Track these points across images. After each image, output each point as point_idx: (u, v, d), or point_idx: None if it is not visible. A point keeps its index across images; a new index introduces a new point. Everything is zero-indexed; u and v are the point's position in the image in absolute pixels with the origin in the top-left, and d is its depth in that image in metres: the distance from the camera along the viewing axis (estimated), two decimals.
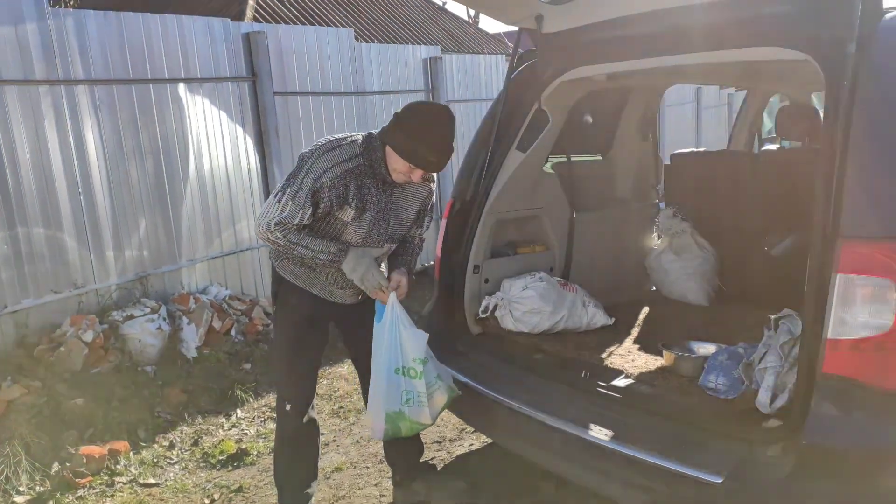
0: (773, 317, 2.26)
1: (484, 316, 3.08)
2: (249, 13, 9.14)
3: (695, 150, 4.27)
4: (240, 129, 5.42)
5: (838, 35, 2.08)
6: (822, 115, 4.27)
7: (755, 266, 3.76)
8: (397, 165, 2.41)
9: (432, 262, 7.42)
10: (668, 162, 4.08)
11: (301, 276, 2.57)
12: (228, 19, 5.38)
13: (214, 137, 5.23)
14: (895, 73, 2.00)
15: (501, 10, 3.05)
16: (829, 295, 1.91)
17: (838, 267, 1.90)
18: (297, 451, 2.76)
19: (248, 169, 5.52)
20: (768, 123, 5.65)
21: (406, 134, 2.36)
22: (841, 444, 1.88)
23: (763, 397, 2.06)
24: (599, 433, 2.30)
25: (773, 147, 4.62)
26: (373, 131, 2.49)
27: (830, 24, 2.14)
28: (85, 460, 3.36)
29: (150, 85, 4.75)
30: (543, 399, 2.57)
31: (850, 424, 1.89)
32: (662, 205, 4.09)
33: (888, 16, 2.08)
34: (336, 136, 2.47)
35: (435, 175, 2.67)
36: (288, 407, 2.67)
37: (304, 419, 2.71)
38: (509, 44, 16.38)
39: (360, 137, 2.47)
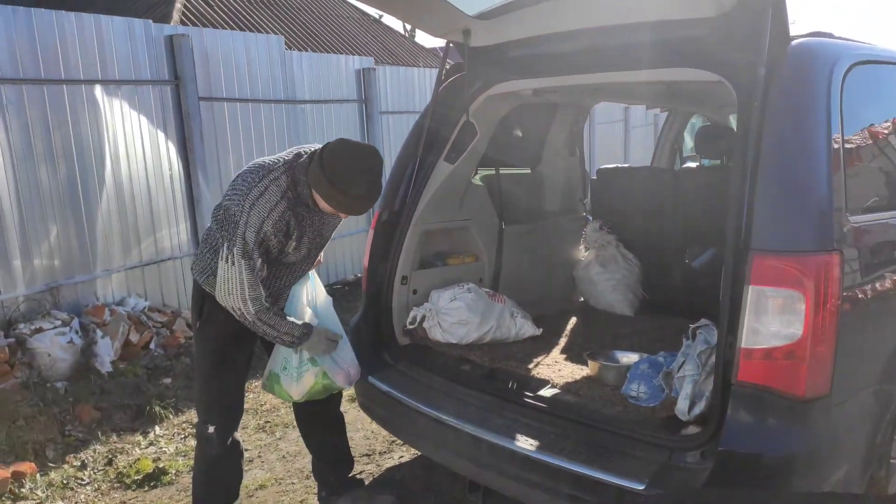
0: (691, 326, 2.33)
1: (412, 327, 3.06)
2: (176, 16, 8.88)
3: (619, 165, 4.40)
4: (161, 134, 5.22)
5: (749, 59, 2.19)
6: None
7: (676, 277, 3.90)
8: (323, 206, 2.40)
9: (359, 274, 7.35)
10: (594, 177, 4.17)
11: None
12: (150, 20, 5.19)
13: (134, 142, 5.02)
14: (801, 94, 2.11)
15: (429, 23, 3.05)
16: (741, 306, 1.98)
17: (750, 279, 1.97)
18: (219, 476, 2.64)
19: (171, 175, 5.32)
20: (689, 142, 5.89)
21: (330, 181, 2.28)
22: (755, 451, 1.95)
23: (682, 405, 2.12)
24: (525, 443, 2.31)
25: (693, 165, 4.82)
26: (301, 151, 2.43)
27: (742, 49, 2.24)
28: None
29: (64, 86, 4.52)
30: (470, 410, 2.57)
31: (765, 431, 1.97)
32: (590, 218, 4.18)
33: (794, 42, 2.21)
34: (254, 175, 2.33)
35: None
36: (211, 430, 2.54)
37: (228, 442, 2.60)
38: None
39: (281, 169, 2.36)
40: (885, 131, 2.49)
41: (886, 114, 2.57)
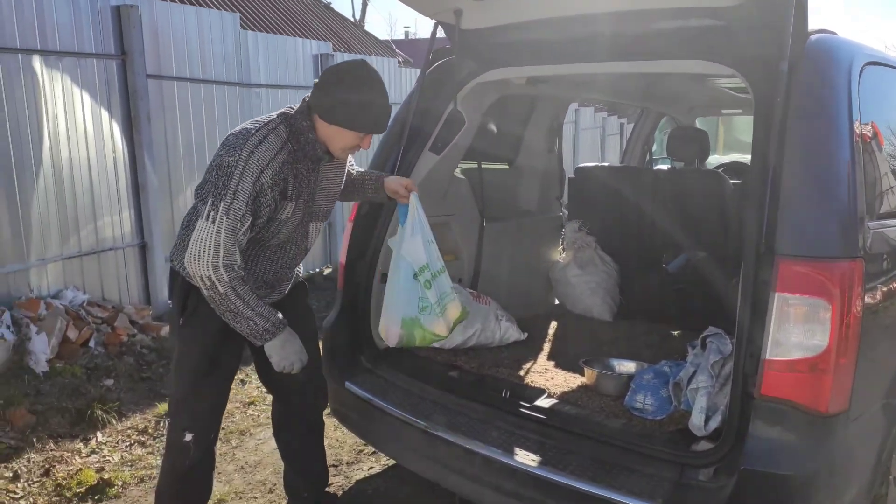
0: (702, 335, 2.21)
1: None
2: None
3: (599, 164, 4.30)
4: (105, 113, 4.82)
5: (768, 53, 2.08)
6: (709, 137, 4.46)
7: (653, 282, 3.82)
8: (345, 141, 2.14)
9: (328, 269, 7.07)
10: (572, 175, 4.05)
11: None
12: None
13: (75, 120, 4.60)
14: (825, 93, 2.02)
15: (419, 0, 2.84)
16: (766, 314, 1.87)
17: (776, 286, 1.86)
18: (190, 490, 2.36)
19: (115, 158, 4.92)
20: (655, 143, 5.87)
21: (347, 103, 2.07)
22: (778, 469, 1.84)
23: (697, 419, 2.00)
24: (525, 458, 2.15)
25: (665, 167, 4.76)
26: (287, 110, 2.17)
27: (759, 43, 2.14)
28: None
29: None
30: (461, 420, 2.39)
31: (787, 448, 1.86)
32: (566, 217, 4.06)
33: (813, 38, 2.11)
34: (248, 127, 2.10)
35: None
36: (188, 437, 2.26)
37: (204, 451, 2.33)
38: (397, 51, 16.30)
39: (276, 121, 2.13)
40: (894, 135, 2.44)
41: (892, 116, 2.52)
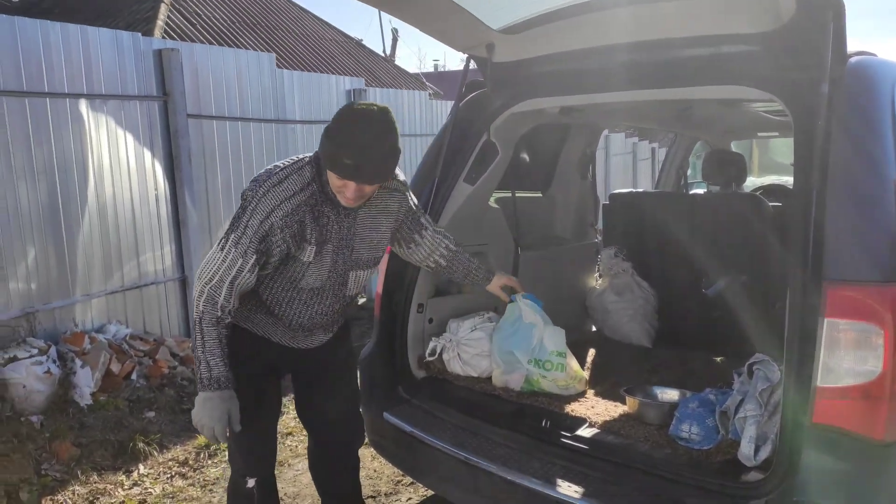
0: (748, 362, 2.16)
1: (431, 358, 2.85)
2: (158, 32, 8.65)
3: (633, 190, 4.28)
4: (148, 153, 4.97)
5: (808, 76, 2.07)
6: (745, 160, 4.41)
7: (692, 307, 3.75)
8: (332, 182, 2.00)
9: (363, 298, 7.14)
10: (606, 201, 4.04)
11: (258, 322, 2.21)
12: (139, 33, 4.97)
13: (119, 160, 4.76)
14: (869, 115, 1.99)
15: (452, 37, 2.89)
16: (816, 340, 1.82)
17: (825, 311, 1.82)
18: None
19: (157, 196, 5.06)
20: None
21: (329, 139, 1.93)
22: (835, 501, 1.78)
23: (746, 449, 1.94)
24: (568, 489, 2.10)
25: (701, 191, 4.72)
26: None
27: (799, 65, 2.12)
28: None
29: (47, 99, 4.26)
30: (501, 451, 2.36)
31: (841, 478, 1.80)
32: (601, 244, 4.04)
33: (853, 59, 2.09)
34: (279, 164, 2.07)
35: (403, 178, 2.32)
36: (251, 483, 2.24)
37: (267, 493, 2.33)
38: (427, 83, 16.52)
39: (305, 160, 2.10)
40: None
41: None
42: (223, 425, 2.01)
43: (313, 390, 2.44)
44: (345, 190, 1.98)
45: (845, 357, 1.81)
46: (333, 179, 1.99)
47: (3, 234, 4.04)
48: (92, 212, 4.58)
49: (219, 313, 2.01)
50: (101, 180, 4.63)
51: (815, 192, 1.92)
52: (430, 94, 8.95)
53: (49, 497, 3.24)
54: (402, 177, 2.32)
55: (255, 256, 2.00)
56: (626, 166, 14.52)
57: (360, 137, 1.89)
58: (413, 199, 2.44)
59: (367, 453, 3.71)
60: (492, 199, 3.43)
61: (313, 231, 2.06)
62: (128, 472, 3.53)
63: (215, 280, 2.00)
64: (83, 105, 4.48)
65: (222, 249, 2.00)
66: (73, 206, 4.45)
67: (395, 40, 21.57)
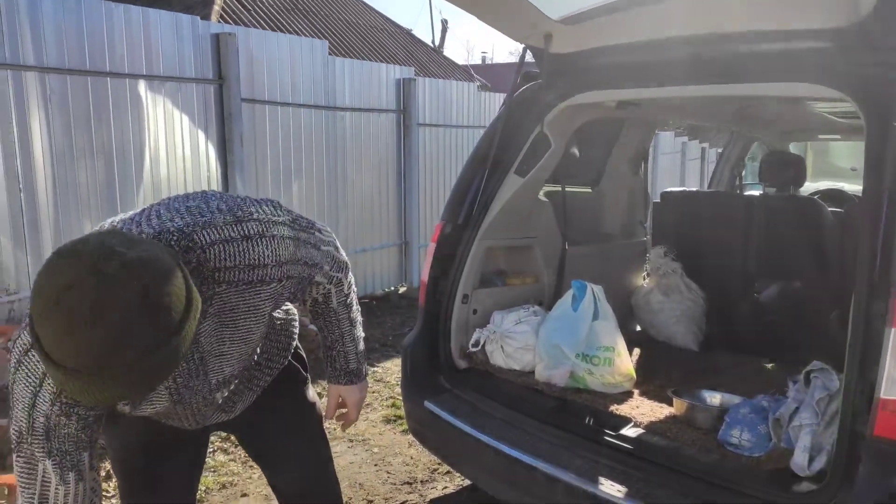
0: (805, 370, 2.09)
1: (475, 349, 2.84)
2: (214, 17, 8.80)
3: (686, 189, 4.18)
4: (202, 135, 5.06)
5: (881, 73, 1.98)
6: (806, 159, 4.26)
7: (743, 311, 3.66)
8: None
9: (388, 289, 7.15)
10: (657, 200, 3.96)
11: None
12: (198, 17, 5.06)
13: (174, 141, 4.86)
14: None
15: (510, 25, 2.85)
16: (880, 350, 1.75)
17: (892, 321, 1.74)
18: None
19: (209, 177, 5.15)
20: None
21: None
22: None
23: (800, 458, 1.88)
24: (611, 488, 2.07)
25: (756, 192, 4.59)
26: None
27: (874, 63, 2.03)
28: None
29: (108, 78, 4.37)
30: (542, 445, 2.33)
31: None
32: (650, 242, 3.96)
33: None
34: None
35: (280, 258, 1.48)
36: None
37: None
38: (476, 75, 16.48)
39: None
40: None
41: None
42: None
43: (265, 462, 1.96)
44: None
45: None
46: None
47: (63, 209, 4.16)
48: (147, 191, 4.69)
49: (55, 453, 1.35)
50: (156, 161, 4.73)
51: (886, 195, 1.84)
52: (478, 86, 8.90)
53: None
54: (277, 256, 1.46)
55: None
56: (674, 165, 14.21)
57: (68, 344, 1.05)
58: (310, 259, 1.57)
59: (404, 440, 3.73)
60: (542, 193, 3.39)
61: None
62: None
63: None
64: (142, 86, 4.58)
65: None
66: (129, 185, 4.56)
67: (444, 31, 21.55)
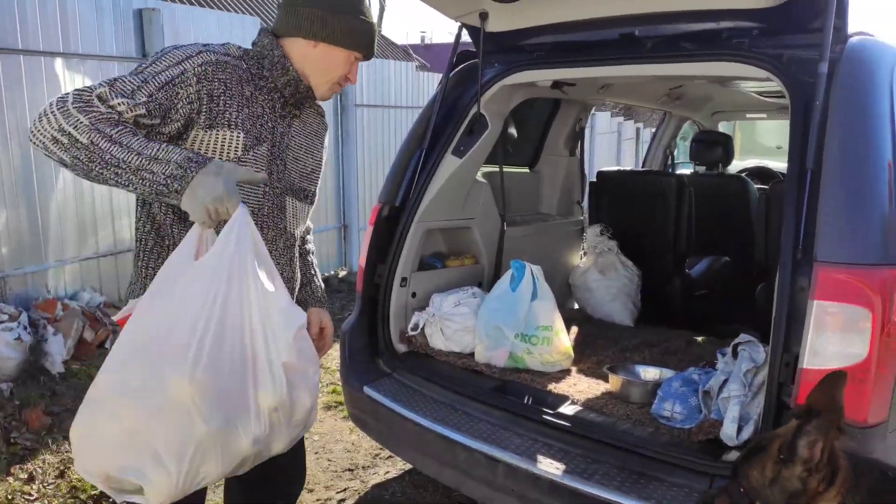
0: (733, 343, 2.15)
1: (414, 333, 2.81)
2: None
3: (622, 168, 4.25)
4: None
5: (807, 55, 2.04)
6: (733, 140, 4.40)
7: (675, 287, 3.76)
8: (333, 64, 1.68)
9: (333, 272, 7.05)
10: (593, 179, 4.01)
11: None
12: None
13: None
14: (867, 96, 1.96)
15: (445, 3, 2.81)
16: (804, 322, 1.81)
17: (815, 293, 1.80)
18: None
19: None
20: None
21: (333, 12, 1.63)
22: None
23: (729, 429, 1.94)
24: (550, 466, 2.09)
25: (687, 171, 4.71)
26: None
27: (798, 43, 2.09)
28: None
29: (21, 56, 4.10)
30: (483, 427, 2.33)
31: None
32: (586, 221, 4.02)
33: (853, 39, 2.06)
34: None
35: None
36: None
37: None
38: (415, 56, 16.29)
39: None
40: None
41: None
42: (236, 196, 1.46)
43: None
44: (350, 72, 1.73)
45: (832, 340, 1.81)
46: (339, 62, 1.69)
47: None
48: (66, 175, 4.45)
49: (109, 113, 1.45)
50: None
51: (809, 173, 1.90)
52: (416, 66, 8.80)
53: (19, 465, 3.17)
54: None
55: (145, 99, 1.48)
56: (610, 145, 14.50)
57: (367, 10, 1.68)
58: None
59: (345, 426, 3.69)
60: (480, 174, 3.38)
61: (241, 112, 1.60)
62: None
63: (99, 95, 1.46)
64: (59, 64, 4.33)
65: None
66: (46, 169, 4.31)
67: (382, 9, 21.14)
